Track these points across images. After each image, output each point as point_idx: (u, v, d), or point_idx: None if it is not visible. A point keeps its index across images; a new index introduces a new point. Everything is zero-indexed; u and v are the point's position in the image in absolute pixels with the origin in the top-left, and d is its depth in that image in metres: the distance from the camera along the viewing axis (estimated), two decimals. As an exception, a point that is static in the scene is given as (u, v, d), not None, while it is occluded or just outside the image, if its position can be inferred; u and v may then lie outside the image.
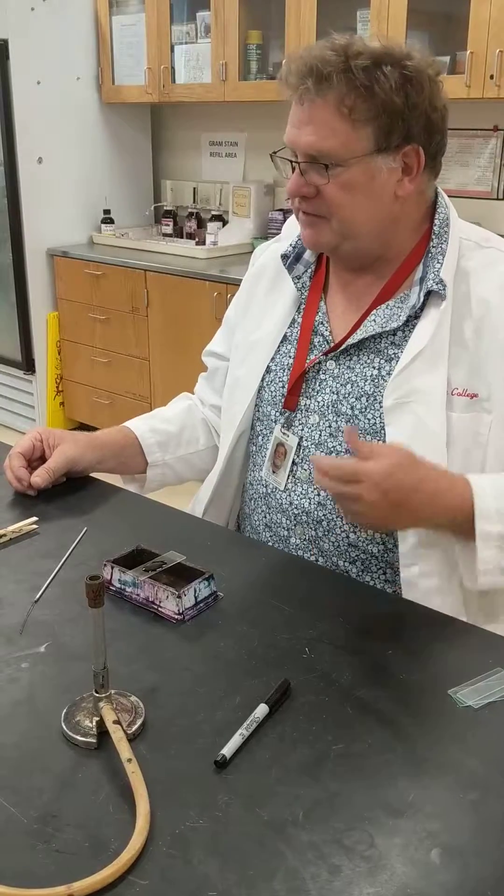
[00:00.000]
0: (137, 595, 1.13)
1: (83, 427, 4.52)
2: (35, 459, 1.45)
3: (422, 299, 1.27)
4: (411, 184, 1.26)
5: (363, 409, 1.30)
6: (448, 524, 1.18)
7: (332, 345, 1.35)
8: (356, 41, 1.20)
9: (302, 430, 1.35)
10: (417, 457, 1.15)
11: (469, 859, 0.75)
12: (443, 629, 1.11)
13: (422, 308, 1.28)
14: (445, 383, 1.25)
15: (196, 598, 1.12)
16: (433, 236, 1.30)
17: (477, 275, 1.28)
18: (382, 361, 1.30)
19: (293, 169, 1.25)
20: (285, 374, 1.39)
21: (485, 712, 0.93)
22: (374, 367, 1.30)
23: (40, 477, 1.41)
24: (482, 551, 1.16)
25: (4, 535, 1.28)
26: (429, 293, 1.27)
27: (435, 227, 1.30)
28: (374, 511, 1.10)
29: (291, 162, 1.26)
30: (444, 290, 1.25)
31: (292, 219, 1.48)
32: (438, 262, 1.27)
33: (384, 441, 1.26)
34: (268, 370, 1.41)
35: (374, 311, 1.31)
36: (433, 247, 1.29)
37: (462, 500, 1.15)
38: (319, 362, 1.35)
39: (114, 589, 1.15)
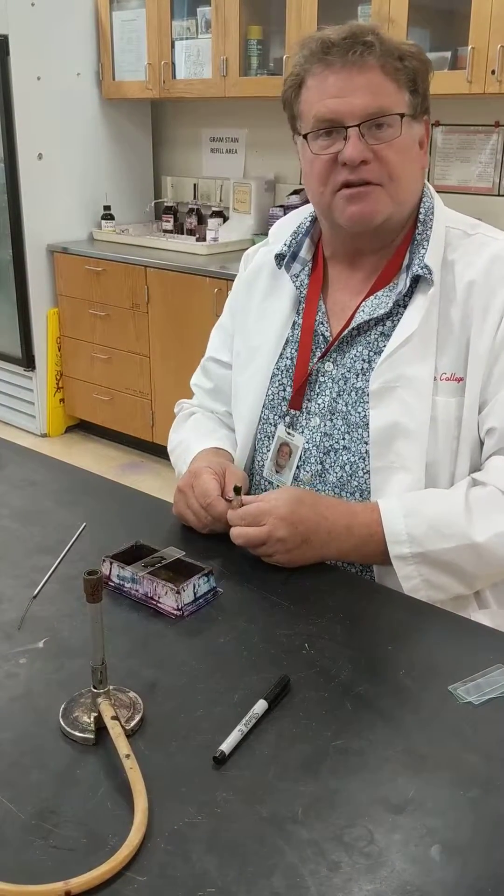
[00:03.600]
0: (136, 591, 1.13)
1: (83, 424, 4.52)
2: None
3: (408, 285, 1.27)
4: (425, 156, 1.30)
5: (353, 404, 1.31)
6: (362, 548, 1.22)
7: (328, 343, 1.34)
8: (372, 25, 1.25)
9: (304, 431, 1.36)
10: (315, 493, 1.24)
11: (469, 856, 0.75)
12: (443, 625, 1.10)
13: (409, 295, 1.28)
14: (433, 369, 1.26)
15: (195, 593, 1.11)
16: (418, 224, 1.31)
17: (463, 261, 1.28)
18: (372, 353, 1.30)
19: (345, 138, 1.23)
20: (285, 376, 1.38)
21: (485, 709, 0.93)
22: (363, 360, 1.31)
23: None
24: (400, 570, 1.20)
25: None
26: (416, 280, 1.27)
27: (420, 216, 1.31)
28: (286, 547, 1.17)
29: (346, 128, 1.22)
30: (429, 275, 1.25)
31: (280, 222, 1.49)
32: (423, 248, 1.28)
33: (369, 429, 1.28)
34: (272, 375, 1.40)
35: (364, 302, 1.31)
36: (418, 234, 1.30)
37: (371, 524, 1.21)
38: (318, 365, 1.35)
39: (113, 584, 1.15)
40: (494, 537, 1.18)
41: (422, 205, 1.32)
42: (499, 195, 3.40)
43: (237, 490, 1.22)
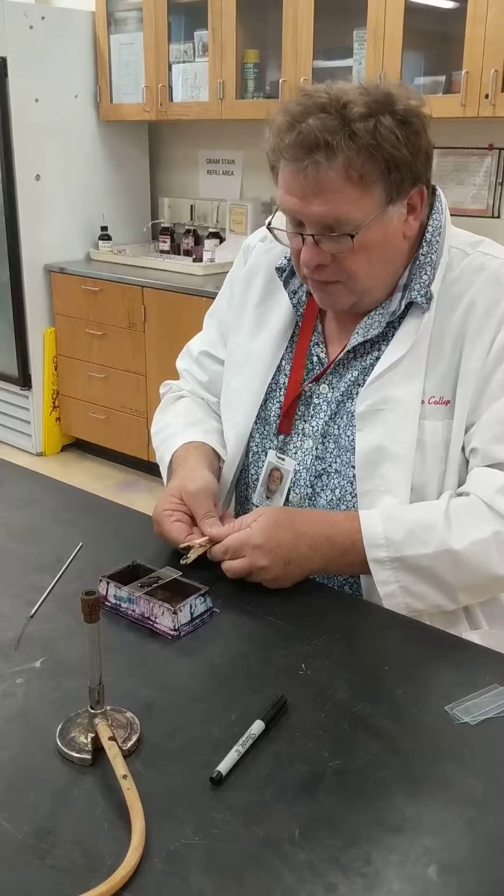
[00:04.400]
0: (133, 611, 1.13)
1: (78, 442, 4.52)
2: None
3: (402, 307, 1.25)
4: (416, 220, 1.24)
5: (344, 427, 1.31)
6: (344, 557, 1.21)
7: (324, 367, 1.34)
8: (339, 91, 1.15)
9: (296, 454, 1.35)
10: (290, 510, 1.24)
11: (466, 876, 0.75)
12: (439, 645, 1.10)
13: (403, 316, 1.27)
14: (420, 393, 1.25)
15: (192, 613, 1.11)
16: (424, 243, 1.27)
17: (461, 282, 1.25)
18: (365, 376, 1.29)
19: (303, 240, 1.21)
20: (282, 393, 1.37)
21: (482, 729, 0.93)
22: (358, 384, 1.30)
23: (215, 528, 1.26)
24: (377, 574, 1.20)
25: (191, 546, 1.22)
26: (410, 302, 1.25)
27: (427, 235, 1.27)
28: (271, 574, 1.18)
29: (302, 235, 1.20)
30: (427, 303, 1.24)
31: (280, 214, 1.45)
32: (426, 274, 1.25)
33: (354, 451, 1.27)
34: (269, 389, 1.38)
35: (358, 324, 1.30)
36: (422, 255, 1.26)
37: (352, 532, 1.20)
38: (312, 387, 1.34)
39: (109, 605, 1.15)
40: (472, 545, 1.17)
41: (430, 222, 1.27)
42: (493, 217, 3.44)
43: (186, 548, 1.21)
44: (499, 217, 3.43)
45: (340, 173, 1.14)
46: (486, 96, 2.95)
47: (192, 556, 1.20)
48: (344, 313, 1.32)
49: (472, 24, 2.94)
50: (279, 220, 1.27)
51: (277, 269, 1.38)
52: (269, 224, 1.28)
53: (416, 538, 1.18)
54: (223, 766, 0.85)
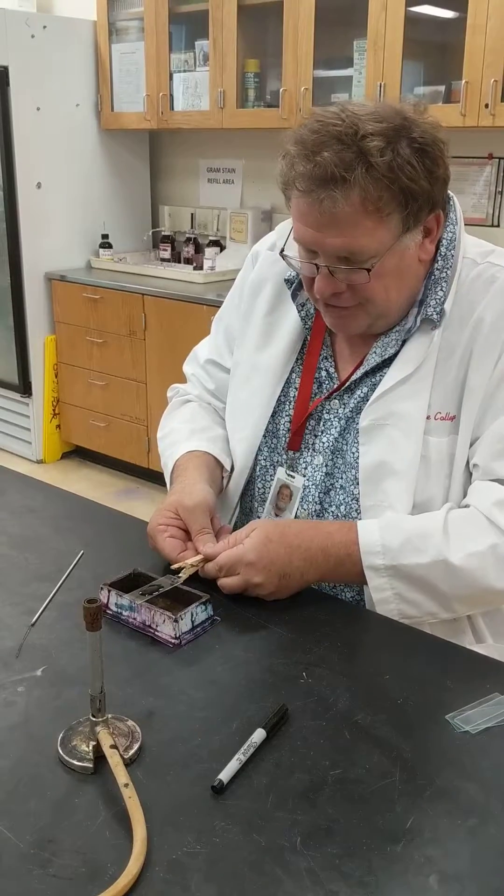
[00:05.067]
0: (134, 619, 1.13)
1: (79, 450, 4.52)
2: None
3: (418, 324, 1.24)
4: (432, 244, 1.23)
5: (351, 443, 1.30)
6: (339, 568, 1.21)
7: (337, 385, 1.33)
8: (353, 118, 1.11)
9: (305, 469, 1.34)
10: (282, 523, 1.22)
11: (467, 886, 0.75)
12: (441, 654, 1.10)
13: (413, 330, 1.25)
14: (426, 408, 1.24)
15: (193, 622, 1.11)
16: (439, 258, 1.25)
17: (471, 295, 1.24)
18: (373, 392, 1.28)
19: (317, 269, 1.19)
20: (292, 408, 1.36)
21: (483, 738, 0.93)
22: (367, 400, 1.28)
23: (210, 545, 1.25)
24: (372, 580, 1.19)
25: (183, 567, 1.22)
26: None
27: (442, 249, 1.25)
28: (266, 589, 1.18)
29: (317, 266, 1.19)
30: (439, 321, 1.23)
31: (287, 222, 1.39)
32: (441, 290, 1.24)
33: (357, 464, 1.27)
34: (278, 402, 1.37)
35: (376, 343, 1.28)
36: (437, 269, 1.24)
37: (348, 543, 1.20)
38: (323, 402, 1.33)
39: (110, 613, 1.15)
40: (468, 556, 1.17)
41: (445, 234, 1.24)
42: (493, 226, 3.45)
43: (175, 570, 1.21)
44: (499, 226, 3.45)
45: (357, 206, 1.12)
46: (486, 106, 2.96)
47: (183, 575, 1.20)
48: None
49: (472, 33, 2.95)
50: (291, 245, 1.25)
51: (286, 280, 1.37)
52: (283, 251, 1.26)
53: (413, 547, 1.18)
54: (224, 775, 0.85)
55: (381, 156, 1.10)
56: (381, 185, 1.11)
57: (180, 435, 1.45)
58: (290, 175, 1.15)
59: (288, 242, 1.26)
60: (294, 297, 1.35)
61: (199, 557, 1.22)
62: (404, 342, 1.26)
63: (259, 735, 0.91)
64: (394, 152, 1.10)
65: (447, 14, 3.29)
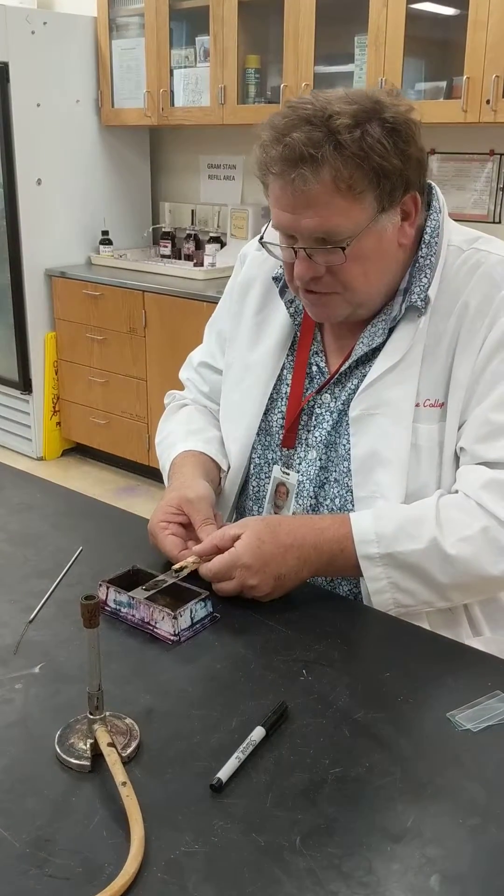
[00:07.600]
0: (133, 616, 1.12)
1: (79, 447, 4.51)
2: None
3: (403, 312, 1.25)
4: (412, 227, 1.23)
5: (342, 434, 1.30)
6: (333, 563, 1.20)
7: (327, 378, 1.33)
8: (324, 101, 1.14)
9: (300, 465, 1.35)
10: (273, 521, 1.21)
11: (468, 885, 0.74)
12: (441, 651, 1.10)
13: (399, 319, 1.26)
14: (414, 395, 1.24)
15: (192, 619, 1.11)
16: (423, 245, 1.25)
17: (457, 282, 1.24)
18: (361, 383, 1.28)
19: (295, 253, 1.20)
20: (283, 405, 1.36)
21: (484, 736, 0.92)
22: (357, 391, 1.29)
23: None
24: (367, 570, 1.19)
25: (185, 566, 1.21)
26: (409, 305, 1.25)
27: (425, 237, 1.26)
28: (262, 591, 1.17)
29: (293, 248, 1.20)
30: (424, 308, 1.23)
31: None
32: (426, 276, 1.24)
33: (350, 455, 1.27)
34: (270, 399, 1.38)
35: (362, 333, 1.29)
36: (421, 257, 1.25)
37: (341, 539, 1.19)
38: (315, 397, 1.34)
39: (109, 609, 1.14)
40: (460, 542, 1.17)
41: (428, 223, 1.26)
42: (494, 222, 3.44)
43: (178, 570, 1.20)
44: (499, 222, 3.44)
45: (328, 185, 1.13)
46: (487, 102, 2.95)
47: (183, 574, 1.19)
48: (341, 322, 1.31)
49: (474, 29, 2.94)
50: (271, 234, 1.27)
51: (274, 278, 1.38)
52: (262, 238, 1.27)
53: (407, 534, 1.18)
54: (223, 773, 0.85)
55: (350, 133, 1.11)
56: (351, 163, 1.12)
57: (177, 436, 1.46)
58: (264, 160, 1.18)
59: (268, 231, 1.27)
60: (282, 293, 1.36)
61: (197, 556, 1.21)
62: (391, 331, 1.27)
63: (258, 733, 0.90)
64: (363, 131, 1.12)
65: (448, 10, 3.29)
